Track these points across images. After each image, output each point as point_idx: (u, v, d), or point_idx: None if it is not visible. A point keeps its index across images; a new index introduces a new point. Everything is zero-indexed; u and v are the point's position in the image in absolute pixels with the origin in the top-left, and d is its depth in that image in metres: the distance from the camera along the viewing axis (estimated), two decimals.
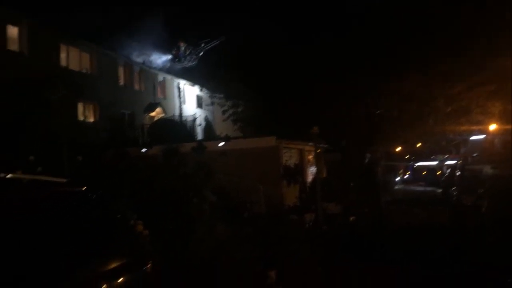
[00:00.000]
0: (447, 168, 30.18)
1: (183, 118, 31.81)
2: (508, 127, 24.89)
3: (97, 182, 8.10)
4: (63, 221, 3.70)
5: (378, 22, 20.15)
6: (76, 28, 24.32)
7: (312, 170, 20.98)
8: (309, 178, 21.21)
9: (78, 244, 3.70)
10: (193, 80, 35.22)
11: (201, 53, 37.24)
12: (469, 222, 12.92)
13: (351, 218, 18.00)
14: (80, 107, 24.49)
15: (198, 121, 33.42)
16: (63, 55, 23.53)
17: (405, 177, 50.32)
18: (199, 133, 32.25)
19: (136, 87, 30.37)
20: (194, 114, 33.30)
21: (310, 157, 21.53)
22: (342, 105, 20.98)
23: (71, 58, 24.21)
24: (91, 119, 25.42)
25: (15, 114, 14.54)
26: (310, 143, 19.06)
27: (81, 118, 24.47)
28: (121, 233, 4.59)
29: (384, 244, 12.22)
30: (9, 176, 4.00)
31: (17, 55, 19.95)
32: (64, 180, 4.28)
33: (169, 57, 36.73)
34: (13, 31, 20.16)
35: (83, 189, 4.32)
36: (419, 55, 20.47)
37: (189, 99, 36.14)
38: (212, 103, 31.32)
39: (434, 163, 40.90)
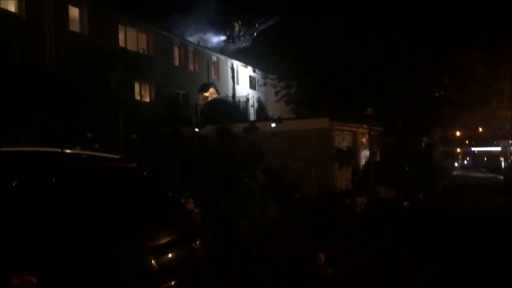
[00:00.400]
0: (511, 155, 28.66)
1: (236, 99, 31.94)
2: None
3: (150, 159, 8.30)
4: (114, 194, 3.78)
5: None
6: (134, 8, 24.81)
7: (365, 153, 20.51)
8: (362, 161, 20.77)
9: (128, 217, 3.77)
10: (247, 61, 35.21)
11: (255, 34, 37.07)
12: None
13: (405, 204, 17.55)
14: (137, 86, 25.11)
15: (251, 102, 33.47)
16: (121, 36, 24.13)
17: (465, 162, 48.41)
18: (252, 114, 32.32)
19: (191, 67, 30.75)
20: (247, 95, 33.36)
21: (364, 139, 21.03)
22: (401, 85, 20.29)
23: (128, 38, 24.79)
24: (147, 99, 26.06)
25: (76, 93, 15.09)
26: (364, 126, 18.61)
27: (137, 97, 25.11)
28: (171, 209, 4.64)
29: (438, 231, 11.83)
30: (68, 151, 4.12)
31: (78, 36, 20.63)
32: (118, 156, 4.36)
33: (223, 37, 36.85)
34: (74, 11, 20.83)
35: (135, 165, 4.38)
36: (482, 33, 19.41)
37: (242, 80, 36.22)
38: (265, 84, 31.27)
39: (497, 148, 38.94)
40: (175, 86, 27.74)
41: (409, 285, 7.73)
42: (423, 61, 20.11)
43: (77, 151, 4.52)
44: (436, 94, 24.14)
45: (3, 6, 17.50)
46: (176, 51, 29.22)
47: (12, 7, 17.98)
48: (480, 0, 18.83)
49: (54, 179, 3.31)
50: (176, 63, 29.24)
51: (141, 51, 25.77)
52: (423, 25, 19.42)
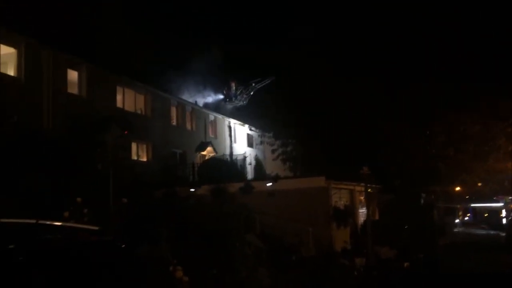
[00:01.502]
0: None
1: (234, 157, 31.95)
2: None
3: (138, 226, 8.10)
4: (87, 270, 3.59)
5: (431, 58, 19.70)
6: (132, 69, 25.32)
7: (363, 211, 20.24)
8: (360, 220, 20.46)
9: None
10: (244, 119, 35.58)
11: (252, 93, 37.76)
12: None
13: (406, 264, 17.07)
14: (134, 146, 25.14)
15: (248, 160, 33.48)
16: (119, 97, 24.43)
17: (465, 219, 47.75)
18: (250, 172, 32.22)
19: (188, 126, 30.96)
20: (244, 153, 33.42)
21: (361, 198, 20.82)
22: (397, 145, 20.38)
23: (126, 99, 25.10)
24: (144, 158, 26.02)
25: (70, 155, 15.06)
26: (362, 184, 18.49)
27: (134, 157, 25.09)
28: (153, 281, 4.42)
29: None
30: (43, 222, 3.97)
31: (76, 98, 20.87)
32: (96, 228, 4.21)
33: (220, 96, 37.48)
34: (73, 74, 21.20)
35: (111, 238, 4.22)
36: (474, 92, 19.74)
37: (239, 138, 36.41)
38: (262, 142, 31.38)
39: (497, 204, 38.56)
40: (172, 145, 27.81)
41: None
42: (417, 120, 20.33)
43: (53, 222, 4.35)
44: (433, 151, 24.17)
45: (2, 70, 17.83)
46: (173, 111, 29.53)
47: (11, 71, 18.32)
48: (467, 60, 19.28)
49: (19, 257, 3.16)
50: (174, 122, 29.46)
51: (139, 112, 26.05)
52: (417, 81, 19.81)
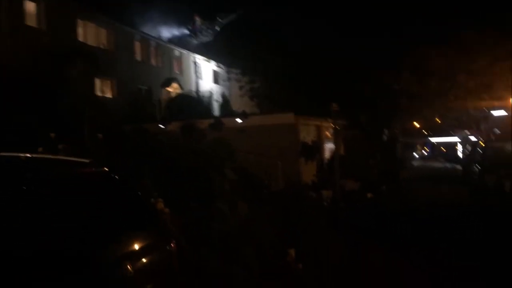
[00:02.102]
0: (468, 145, 29.71)
1: (200, 94, 31.70)
2: None
3: (118, 160, 8.13)
4: (86, 203, 3.68)
5: None
6: (93, 2, 24.14)
7: (329, 146, 20.82)
8: (327, 155, 21.08)
9: (103, 224, 3.69)
10: (210, 55, 34.96)
11: (218, 28, 36.85)
12: (491, 203, 12.72)
13: (369, 195, 17.96)
14: (97, 82, 24.52)
15: (214, 97, 33.31)
16: (80, 31, 23.48)
17: (424, 153, 49.79)
18: (216, 109, 32.18)
19: (153, 62, 30.26)
20: (211, 90, 33.18)
21: (328, 133, 21.34)
22: (362, 81, 20.69)
23: (88, 33, 24.15)
24: (109, 95, 25.49)
25: (36, 91, 14.59)
26: (328, 120, 18.88)
27: (99, 93, 24.53)
28: (145, 212, 4.56)
29: (401, 222, 12.15)
30: (31, 156, 3.97)
31: (35, 31, 19.93)
32: (88, 161, 4.24)
33: (185, 32, 36.46)
34: (30, 6, 20.10)
35: (106, 170, 4.28)
36: (441, 26, 19.98)
37: (205, 75, 35.95)
38: (229, 79, 31.14)
39: (454, 139, 40.30)
40: (138, 81, 27.25)
41: (373, 275, 7.90)
42: (385, 56, 20.57)
43: (43, 155, 4.35)
44: (396, 87, 24.68)
45: None
46: (137, 46, 28.66)
47: None
48: None
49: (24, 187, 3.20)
50: (138, 57, 28.69)
51: (102, 46, 25.16)
52: (384, 21, 19.84)
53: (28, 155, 3.80)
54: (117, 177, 4.24)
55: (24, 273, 2.81)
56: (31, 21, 20.02)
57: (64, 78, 17.40)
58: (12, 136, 9.79)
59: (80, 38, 23.37)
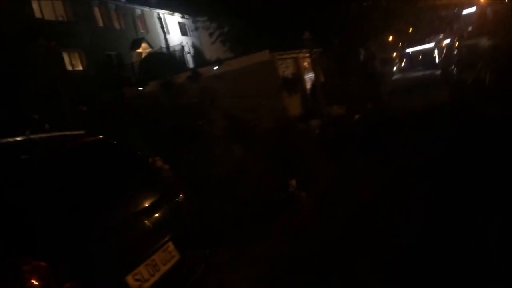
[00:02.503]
0: (443, 48, 29.86)
1: (171, 49, 31.18)
2: None
3: (106, 129, 8.20)
4: (93, 169, 3.85)
5: None
6: None
7: (310, 76, 20.87)
8: (308, 85, 21.17)
9: (113, 187, 3.88)
10: (173, 7, 34.06)
11: None
12: (471, 98, 13.08)
13: (356, 117, 18.28)
14: (66, 57, 24.01)
15: (186, 49, 32.78)
16: (35, 6, 22.67)
17: (402, 65, 49.95)
18: (190, 61, 31.77)
19: (116, 26, 29.52)
20: (181, 43, 32.59)
21: (306, 63, 21.32)
22: (328, 2, 20.40)
23: (44, 8, 23.36)
24: (80, 67, 25.04)
25: (4, 78, 14.32)
26: (304, 50, 18.84)
27: (69, 68, 24.09)
28: (148, 171, 4.76)
29: (390, 135, 12.51)
30: (33, 136, 4.09)
31: None
32: (82, 132, 4.37)
33: None
34: None
35: (102, 137, 4.42)
36: None
37: (172, 29, 35.21)
38: (197, 28, 30.45)
39: (430, 45, 40.38)
40: (105, 48, 26.70)
41: (372, 190, 8.27)
42: None
43: (42, 135, 4.45)
44: (364, 4, 24.38)
45: None
46: (97, 12, 27.84)
47: None
48: None
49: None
50: (100, 24, 27.94)
51: (61, 19, 24.40)
52: None
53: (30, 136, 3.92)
54: (114, 142, 4.39)
55: None
56: None
57: (30, 57, 17.01)
58: None
59: (37, 14, 22.62)
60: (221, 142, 9.20)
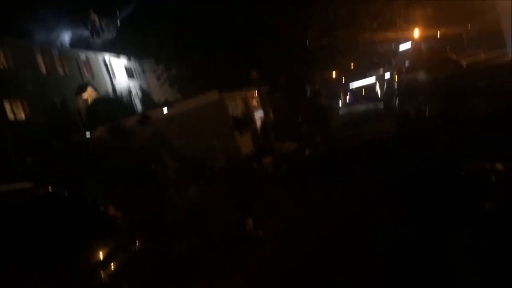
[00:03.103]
0: (384, 82, 31.27)
1: (118, 93, 30.85)
2: (432, 31, 25.96)
3: (54, 178, 7.92)
4: (45, 223, 3.69)
5: None
6: None
7: (259, 114, 21.18)
8: (258, 123, 21.45)
9: (66, 240, 3.72)
10: (118, 51, 33.92)
11: (118, 22, 35.70)
12: (414, 129, 13.65)
13: (306, 152, 18.60)
14: (7, 105, 23.16)
15: (134, 92, 32.57)
16: None
17: (346, 100, 51.56)
18: (138, 105, 31.52)
19: (61, 71, 28.92)
20: (128, 86, 32.36)
21: (255, 102, 21.67)
22: (274, 41, 21.06)
23: None
24: (22, 115, 24.18)
25: None
26: (252, 88, 19.19)
27: (11, 116, 23.22)
28: (99, 221, 4.61)
29: (341, 165, 12.76)
30: None
31: None
32: (31, 185, 4.20)
33: (86, 33, 35.01)
34: None
35: (50, 189, 4.26)
36: None
37: (119, 72, 34.91)
38: (144, 71, 30.47)
39: (371, 80, 42.11)
40: (50, 95, 26.01)
41: (329, 221, 8.35)
42: (291, 14, 21.01)
43: None
44: (307, 43, 25.32)
45: None
46: (39, 58, 27.22)
47: None
48: None
49: None
50: (44, 70, 27.30)
51: (1, 67, 23.69)
52: None
53: None
54: (64, 192, 4.24)
55: None
56: None
57: None
58: None
59: None
60: (175, 184, 9.08)
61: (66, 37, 33.18)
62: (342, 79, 46.06)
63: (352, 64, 37.96)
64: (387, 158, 11.94)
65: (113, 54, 33.99)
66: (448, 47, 24.96)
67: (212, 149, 16.50)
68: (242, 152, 17.88)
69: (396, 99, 19.45)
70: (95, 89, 30.32)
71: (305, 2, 20.94)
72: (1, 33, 23.72)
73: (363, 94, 46.48)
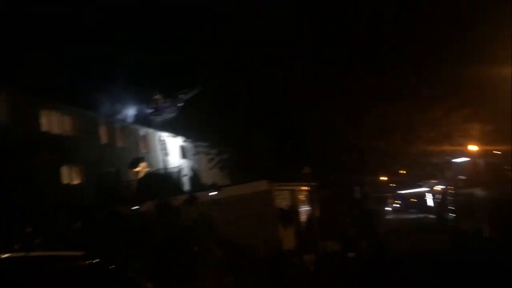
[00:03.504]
0: (437, 193, 30.40)
1: (169, 171, 31.56)
2: (488, 148, 25.48)
3: (100, 248, 7.91)
4: None
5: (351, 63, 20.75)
6: (55, 90, 24.28)
7: (306, 209, 20.88)
8: (304, 218, 21.08)
9: None
10: (176, 131, 35.25)
11: (180, 104, 37.46)
12: (471, 246, 12.91)
13: (350, 255, 17.88)
14: (64, 170, 24.14)
15: (184, 172, 33.21)
16: (44, 120, 23.40)
17: (395, 206, 50.39)
18: (187, 184, 31.98)
19: (119, 143, 30.20)
20: (180, 165, 33.12)
21: (302, 196, 21.47)
22: (332, 140, 21.27)
23: (52, 122, 24.09)
24: (76, 181, 25.04)
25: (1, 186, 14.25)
26: (302, 183, 19.10)
27: (66, 181, 24.08)
28: None
29: (385, 275, 12.10)
30: (30, 254, 3.88)
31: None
32: (80, 253, 4.17)
33: (149, 110, 36.82)
34: None
35: (99, 260, 4.22)
36: (395, 83, 21.05)
37: (173, 151, 36.04)
38: (197, 153, 31.27)
39: (423, 189, 41.16)
40: (105, 164, 27.00)
41: None
42: (348, 114, 21.36)
43: (35, 253, 4.24)
44: (361, 145, 25.42)
45: None
46: (103, 129, 28.68)
47: None
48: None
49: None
50: (104, 141, 28.62)
51: (67, 134, 25.04)
52: (342, 83, 20.77)
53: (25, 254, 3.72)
54: (112, 267, 4.18)
55: None
56: None
57: (30, 169, 17.11)
58: None
59: (45, 127, 23.26)
60: (214, 269, 8.83)
61: (129, 112, 35.01)
62: (391, 184, 45.39)
63: (404, 171, 37.42)
64: (440, 276, 11.21)
65: (170, 133, 35.34)
66: (505, 166, 24.29)
67: (255, 238, 16.19)
68: (284, 246, 17.41)
69: (450, 212, 18.72)
70: (148, 163, 31.24)
71: (363, 106, 21.30)
72: (72, 103, 25.37)
73: (413, 202, 45.33)
